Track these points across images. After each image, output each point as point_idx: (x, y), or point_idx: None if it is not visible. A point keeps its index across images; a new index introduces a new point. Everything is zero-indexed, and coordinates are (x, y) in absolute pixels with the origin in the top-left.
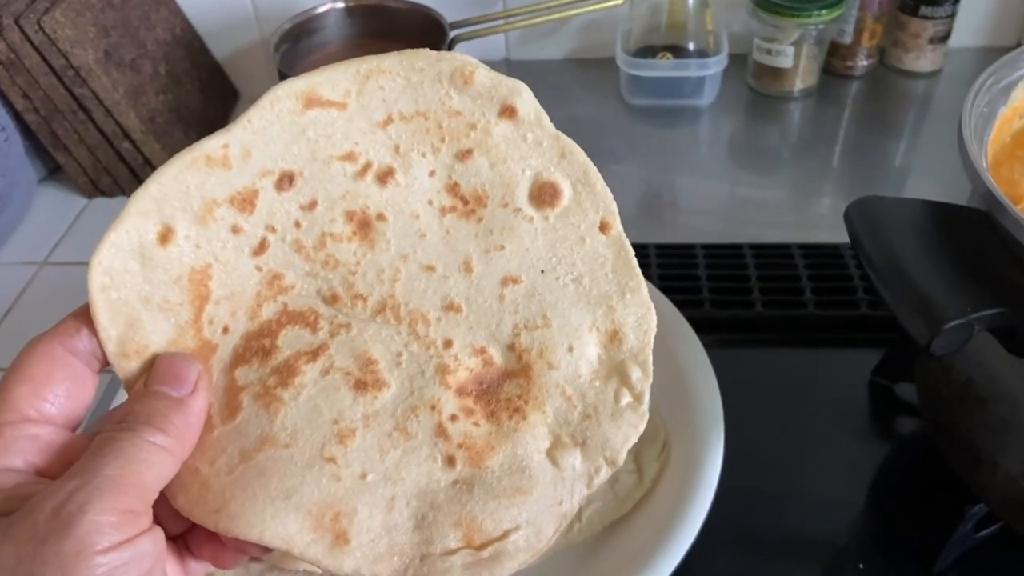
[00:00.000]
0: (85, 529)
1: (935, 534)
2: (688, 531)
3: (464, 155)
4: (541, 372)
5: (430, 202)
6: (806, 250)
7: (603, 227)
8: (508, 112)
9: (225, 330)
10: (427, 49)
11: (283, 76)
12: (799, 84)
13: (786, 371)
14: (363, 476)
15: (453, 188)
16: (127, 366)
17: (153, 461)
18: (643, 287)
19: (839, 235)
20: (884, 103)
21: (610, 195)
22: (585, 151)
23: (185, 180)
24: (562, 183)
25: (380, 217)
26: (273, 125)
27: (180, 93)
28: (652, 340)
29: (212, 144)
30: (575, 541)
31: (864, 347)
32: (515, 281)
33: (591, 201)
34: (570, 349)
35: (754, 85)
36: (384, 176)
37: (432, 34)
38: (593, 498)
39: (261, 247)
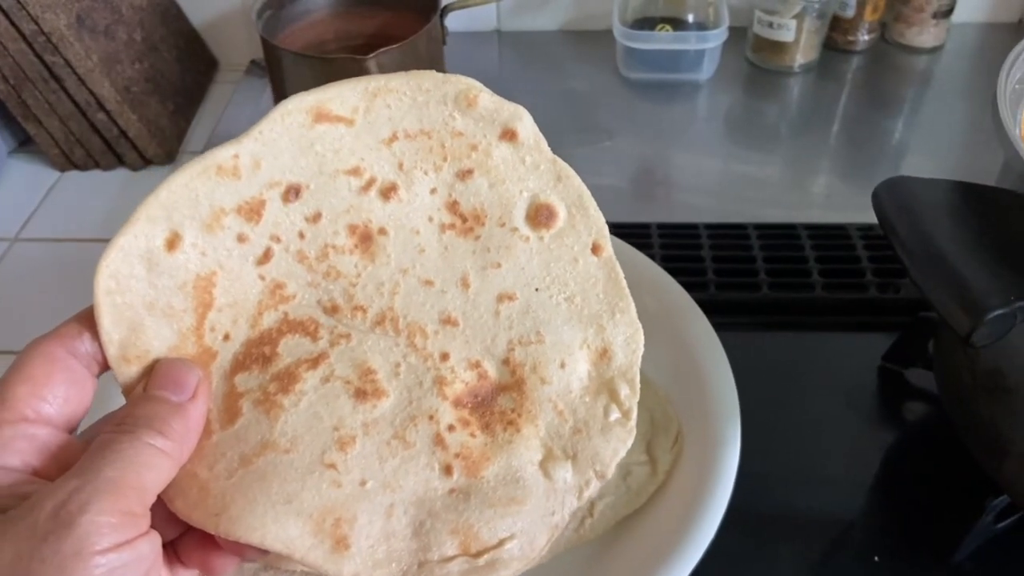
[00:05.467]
0: (85, 529)
1: (950, 524)
2: (706, 529)
3: (465, 174)
4: (534, 387)
5: (430, 219)
6: (812, 230)
7: (595, 249)
8: (509, 135)
9: (226, 337)
10: (434, 71)
11: (265, 43)
12: (800, 59)
13: (793, 355)
14: (363, 483)
15: (453, 206)
16: (127, 371)
17: (152, 464)
18: (632, 308)
19: (840, 214)
20: (885, 79)
21: (602, 219)
22: (579, 126)
23: (195, 188)
24: (558, 205)
25: (382, 231)
26: (283, 137)
27: (156, 61)
28: (639, 359)
29: (223, 154)
30: (588, 537)
31: (874, 331)
32: (510, 298)
33: (584, 224)
34: (562, 365)
35: (754, 59)
36: (387, 192)
37: (422, 2)
38: (605, 492)
39: (265, 256)
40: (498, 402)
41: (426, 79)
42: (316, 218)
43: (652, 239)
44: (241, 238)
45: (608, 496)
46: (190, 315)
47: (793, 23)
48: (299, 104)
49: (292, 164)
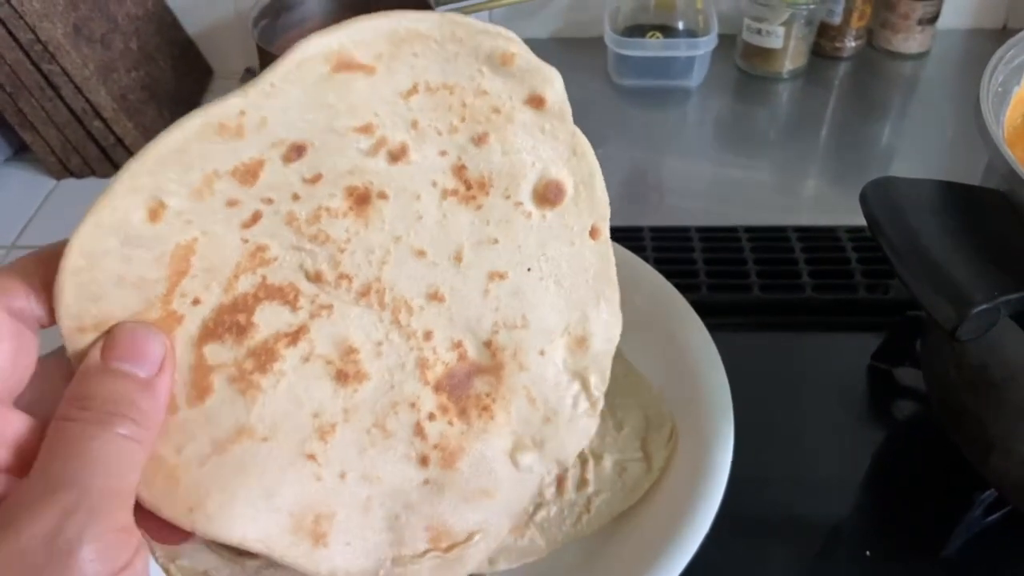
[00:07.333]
0: (85, 558)
1: (939, 519)
2: (701, 524)
3: (480, 139)
4: (512, 373)
5: (434, 183)
6: (802, 233)
7: (593, 232)
8: (536, 101)
9: (196, 302)
10: (471, 19)
11: (262, 52)
12: (788, 65)
13: (784, 355)
14: (342, 476)
15: (460, 170)
16: (81, 340)
17: (132, 461)
18: (617, 297)
19: (829, 217)
20: (873, 84)
21: (607, 200)
22: None
23: (190, 152)
24: (567, 182)
25: (381, 195)
26: (295, 89)
27: (152, 70)
28: (614, 349)
29: (228, 110)
30: (584, 533)
31: (863, 331)
32: (501, 277)
33: (589, 204)
34: (542, 353)
35: (743, 66)
36: (396, 155)
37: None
38: (601, 488)
39: (253, 219)
40: (474, 385)
41: (461, 27)
42: (316, 180)
43: (645, 242)
44: (231, 202)
45: (604, 492)
46: (162, 284)
47: (781, 30)
48: (320, 49)
49: (299, 119)
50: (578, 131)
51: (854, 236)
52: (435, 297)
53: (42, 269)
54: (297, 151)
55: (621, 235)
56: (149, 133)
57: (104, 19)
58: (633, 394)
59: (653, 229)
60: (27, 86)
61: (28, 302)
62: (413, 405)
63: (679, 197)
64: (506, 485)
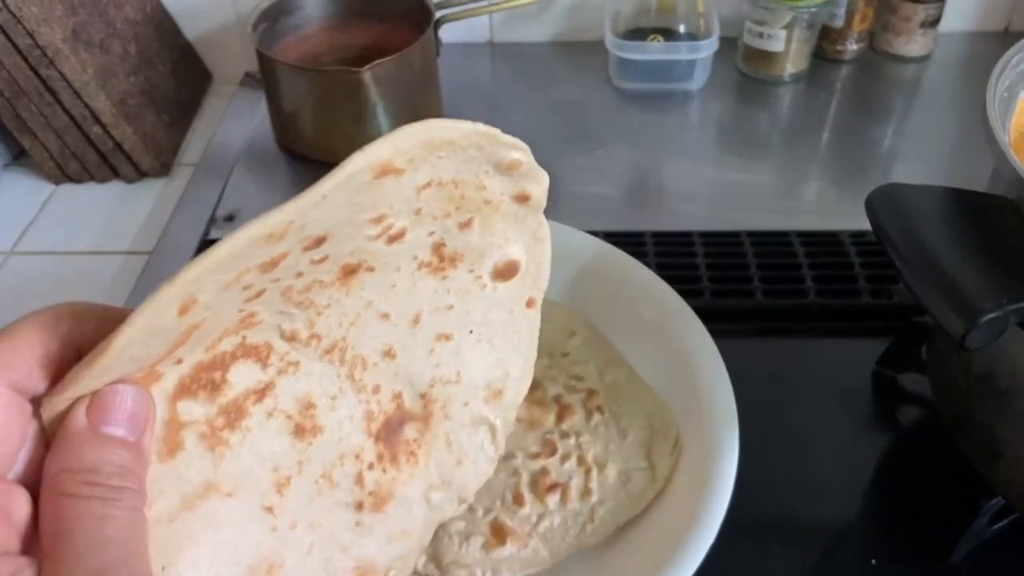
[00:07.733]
0: None
1: (945, 526)
2: (706, 533)
3: (466, 224)
4: (438, 421)
5: (415, 258)
6: (805, 237)
7: (529, 302)
8: (522, 198)
9: (178, 361)
10: (497, 131)
11: (261, 56)
12: (790, 68)
13: (788, 361)
14: (293, 526)
15: (439, 247)
16: (65, 403)
17: (144, 533)
18: (534, 357)
19: (832, 221)
20: (875, 87)
21: (547, 276)
22: (572, 136)
23: (237, 257)
24: (522, 261)
25: (369, 268)
26: (341, 195)
27: (151, 75)
28: (520, 400)
29: (280, 220)
30: (588, 543)
31: (867, 336)
32: (447, 338)
33: (533, 280)
34: (466, 404)
35: (744, 69)
36: (395, 237)
37: (416, 14)
38: (605, 498)
39: (256, 295)
40: (404, 431)
41: (485, 138)
42: (321, 261)
43: (647, 247)
44: (247, 286)
45: (608, 502)
46: (160, 354)
47: (783, 33)
48: (371, 160)
49: (330, 216)
50: (544, 220)
51: (857, 240)
52: (388, 354)
53: (47, 341)
54: (317, 242)
55: (623, 240)
56: (148, 138)
57: (103, 24)
58: (637, 402)
59: (655, 234)
60: (25, 91)
61: (30, 377)
62: (357, 456)
63: (681, 201)
64: (421, 524)
